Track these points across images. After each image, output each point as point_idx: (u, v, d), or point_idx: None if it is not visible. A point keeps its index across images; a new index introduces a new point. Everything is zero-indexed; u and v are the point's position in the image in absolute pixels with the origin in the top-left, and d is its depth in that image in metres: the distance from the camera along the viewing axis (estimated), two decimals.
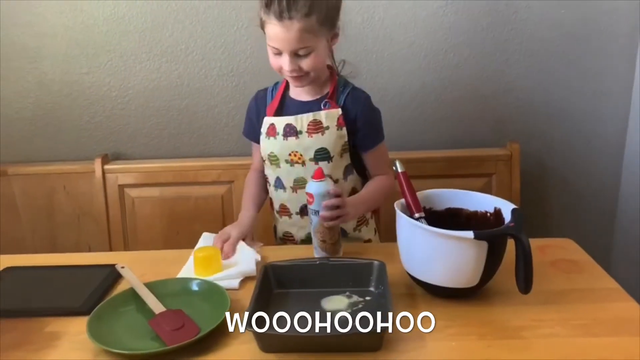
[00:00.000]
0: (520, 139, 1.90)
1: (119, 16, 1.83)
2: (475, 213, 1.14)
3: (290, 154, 1.32)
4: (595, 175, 1.97)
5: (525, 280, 0.98)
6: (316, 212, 1.19)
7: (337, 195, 1.18)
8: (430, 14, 1.82)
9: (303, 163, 1.32)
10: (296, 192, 1.35)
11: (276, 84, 1.41)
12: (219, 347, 0.93)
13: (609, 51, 1.85)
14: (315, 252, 1.24)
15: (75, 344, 0.96)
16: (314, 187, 1.18)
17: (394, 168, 1.17)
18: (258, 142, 1.38)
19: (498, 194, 1.80)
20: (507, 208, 1.07)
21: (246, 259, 1.23)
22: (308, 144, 1.30)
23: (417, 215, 1.09)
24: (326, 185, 1.18)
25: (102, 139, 1.96)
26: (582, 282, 1.11)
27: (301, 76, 1.25)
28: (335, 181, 1.33)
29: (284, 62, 1.21)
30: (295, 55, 1.21)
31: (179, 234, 1.89)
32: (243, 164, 1.87)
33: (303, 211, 1.36)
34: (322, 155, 1.31)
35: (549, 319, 0.98)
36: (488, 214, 1.12)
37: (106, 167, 1.88)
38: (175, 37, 1.85)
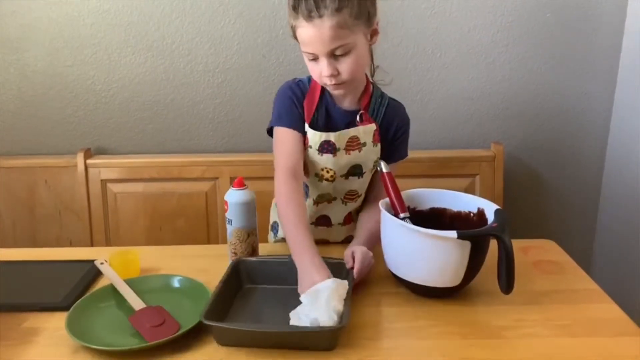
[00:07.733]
0: (504, 140, 1.92)
1: (105, 9, 1.81)
2: (459, 213, 1.15)
3: (322, 170, 1.23)
4: (577, 177, 1.99)
5: (507, 280, 0.98)
6: (230, 221, 1.16)
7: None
8: (417, 15, 1.83)
9: (333, 180, 1.24)
10: (317, 205, 1.29)
11: (309, 78, 1.23)
12: (200, 344, 0.93)
13: (592, 53, 1.88)
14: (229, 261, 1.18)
15: (54, 340, 0.95)
16: (233, 195, 1.15)
17: (377, 168, 1.17)
18: (304, 131, 1.21)
19: (481, 194, 1.82)
20: (490, 208, 1.08)
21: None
22: (344, 161, 1.22)
23: (402, 215, 1.09)
24: (243, 195, 1.15)
25: (85, 132, 1.93)
26: (563, 283, 1.13)
27: (341, 83, 1.13)
28: (359, 196, 1.29)
29: (322, 67, 1.09)
30: (332, 56, 1.08)
31: (162, 230, 1.87)
32: (228, 160, 1.87)
33: (318, 222, 1.31)
34: (354, 171, 1.24)
35: (531, 319, 0.99)
36: (471, 214, 1.13)
37: (89, 161, 1.86)
38: (161, 31, 1.84)
